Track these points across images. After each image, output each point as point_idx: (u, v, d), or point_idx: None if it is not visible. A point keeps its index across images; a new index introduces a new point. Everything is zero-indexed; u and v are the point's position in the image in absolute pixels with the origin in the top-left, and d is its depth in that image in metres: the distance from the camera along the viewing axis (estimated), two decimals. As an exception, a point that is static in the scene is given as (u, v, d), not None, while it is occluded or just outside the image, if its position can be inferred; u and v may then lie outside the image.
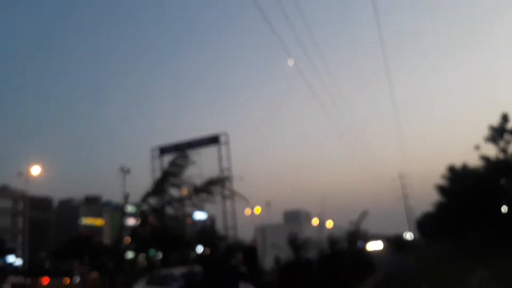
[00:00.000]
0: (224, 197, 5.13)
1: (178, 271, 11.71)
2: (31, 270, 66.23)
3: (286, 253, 14.40)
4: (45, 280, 41.59)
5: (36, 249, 77.02)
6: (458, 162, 52.25)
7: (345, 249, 20.90)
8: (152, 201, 4.82)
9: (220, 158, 28.92)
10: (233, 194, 5.13)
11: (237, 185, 6.14)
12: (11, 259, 68.84)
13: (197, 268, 8.32)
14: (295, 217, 30.09)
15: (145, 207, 4.82)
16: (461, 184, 44.64)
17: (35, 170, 56.76)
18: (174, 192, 4.89)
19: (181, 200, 4.83)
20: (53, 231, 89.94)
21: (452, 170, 50.98)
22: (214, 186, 4.88)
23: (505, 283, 13.72)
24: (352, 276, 18.20)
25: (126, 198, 5.26)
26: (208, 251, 7.53)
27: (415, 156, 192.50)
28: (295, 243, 13.34)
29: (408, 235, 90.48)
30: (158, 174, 25.39)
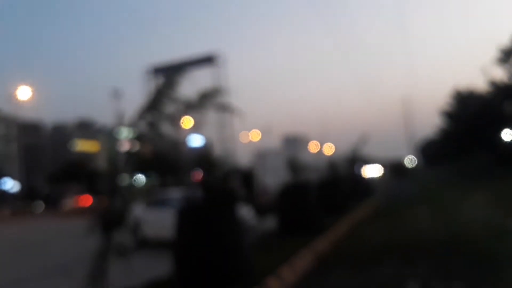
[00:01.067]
0: (219, 112, 4.96)
1: (176, 194, 11.99)
2: (28, 195, 68.43)
3: (285, 178, 14.70)
4: (85, 200, 42.13)
5: (31, 174, 78.95)
6: (464, 87, 51.84)
7: (344, 174, 21.43)
8: (148, 117, 4.68)
9: (215, 80, 28.53)
10: (228, 109, 4.95)
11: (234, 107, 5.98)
12: (8, 185, 70.66)
13: (196, 191, 8.45)
14: (294, 143, 30.52)
15: (141, 124, 4.70)
16: (466, 109, 44.71)
17: (26, 93, 56.11)
18: (169, 109, 4.73)
19: (177, 117, 4.69)
20: (47, 156, 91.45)
21: (457, 94, 50.76)
22: (209, 99, 4.70)
23: (502, 205, 14.22)
24: (350, 200, 18.84)
25: (121, 117, 5.11)
26: (206, 176, 7.61)
27: (420, 79, 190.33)
28: (294, 167, 13.58)
29: (409, 161, 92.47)
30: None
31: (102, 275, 4.34)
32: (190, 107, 4.72)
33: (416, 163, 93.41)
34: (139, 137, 4.87)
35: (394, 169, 66.86)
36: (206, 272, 6.18)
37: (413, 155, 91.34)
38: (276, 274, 6.56)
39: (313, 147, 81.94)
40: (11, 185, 71.20)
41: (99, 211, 5.05)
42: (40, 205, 58.81)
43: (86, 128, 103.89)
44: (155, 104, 4.79)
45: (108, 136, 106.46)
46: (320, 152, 76.23)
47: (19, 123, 75.85)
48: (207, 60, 29.68)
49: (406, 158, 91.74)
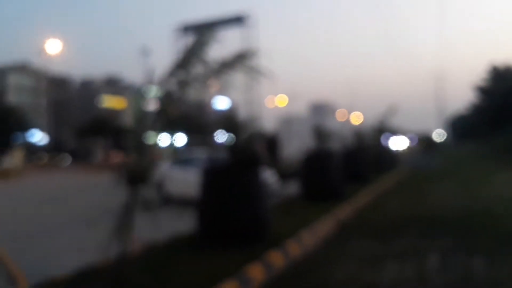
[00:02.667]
0: (249, 74, 4.91)
1: (201, 154, 12.21)
2: (55, 148, 70.72)
3: (310, 144, 14.69)
4: (112, 155, 43.64)
5: (59, 128, 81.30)
6: (501, 62, 49.76)
7: (370, 144, 21.23)
8: (177, 77, 4.70)
9: (244, 41, 28.12)
10: (259, 72, 4.89)
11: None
12: (37, 137, 72.95)
13: (220, 153, 8.57)
14: (321, 110, 30.23)
15: (170, 83, 4.73)
16: (501, 85, 43.15)
17: (56, 47, 57.06)
18: (199, 69, 4.71)
19: (206, 78, 4.68)
20: (75, 111, 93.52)
21: (493, 69, 48.95)
22: (241, 60, 4.64)
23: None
24: (375, 170, 18.77)
25: (151, 75, 5.13)
26: (230, 138, 7.66)
27: (454, 52, 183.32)
28: (320, 135, 13.52)
29: (437, 135, 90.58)
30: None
31: (127, 227, 4.53)
32: (222, 68, 4.70)
33: (445, 137, 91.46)
34: (167, 96, 4.91)
35: (422, 142, 65.60)
36: (227, 230, 6.39)
37: (443, 129, 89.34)
38: (296, 237, 6.70)
39: (340, 115, 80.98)
40: (39, 137, 73.52)
41: (126, 167, 5.18)
42: (67, 159, 60.88)
43: (113, 85, 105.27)
44: (185, 64, 4.80)
45: (135, 93, 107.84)
46: (347, 121, 75.43)
47: (49, 77, 77.42)
48: (237, 20, 29.19)
49: (434, 132, 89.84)
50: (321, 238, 7.28)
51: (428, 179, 18.41)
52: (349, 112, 76.50)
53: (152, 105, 5.17)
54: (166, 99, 4.93)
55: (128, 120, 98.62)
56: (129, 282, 4.49)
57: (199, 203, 6.85)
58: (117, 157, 48.32)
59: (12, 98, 76.12)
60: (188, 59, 4.59)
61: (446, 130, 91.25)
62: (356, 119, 70.33)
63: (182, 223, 8.38)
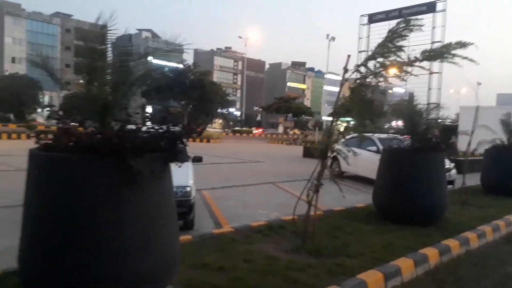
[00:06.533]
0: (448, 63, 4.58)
1: (376, 136, 11.95)
2: (246, 120, 77.86)
3: (495, 136, 12.91)
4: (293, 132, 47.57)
5: (251, 103, 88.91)
6: None
7: None
8: (370, 65, 4.71)
9: (436, 29, 25.58)
10: (462, 61, 4.51)
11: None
12: (233, 110, 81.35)
13: (398, 137, 8.26)
14: (509, 101, 25.92)
15: (362, 70, 4.77)
16: None
17: (252, 33, 62.19)
18: (393, 57, 4.61)
19: (399, 67, 4.56)
20: (265, 89, 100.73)
21: None
22: (446, 51, 4.36)
23: None
24: None
25: (346, 60, 5.19)
26: (409, 125, 7.35)
27: None
28: (509, 128, 11.74)
29: None
30: (364, 42, 24.38)
31: (317, 190, 4.87)
32: (425, 55, 4.50)
33: None
34: (361, 82, 4.93)
35: None
36: (403, 210, 6.26)
37: None
38: (474, 229, 6.13)
39: (533, 109, 67.79)
40: (235, 110, 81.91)
41: (316, 143, 5.49)
42: (253, 130, 66.52)
43: (297, 68, 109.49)
44: (382, 51, 4.74)
45: (316, 78, 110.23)
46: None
47: (245, 59, 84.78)
48: (427, 8, 26.78)
49: None
50: (503, 236, 6.48)
51: None
52: (547, 106, 63.47)
53: (342, 90, 5.27)
54: (360, 84, 4.97)
55: (308, 101, 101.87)
56: (312, 238, 4.85)
57: (378, 181, 6.84)
58: (294, 133, 50.66)
59: (216, 76, 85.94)
60: (385, 46, 4.52)
61: None
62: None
63: (354, 198, 8.51)
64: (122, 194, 2.72)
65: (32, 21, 77.92)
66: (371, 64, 4.87)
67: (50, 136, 3.00)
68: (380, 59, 4.55)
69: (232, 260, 4.28)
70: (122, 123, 3.09)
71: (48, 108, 71.29)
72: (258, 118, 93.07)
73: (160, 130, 3.12)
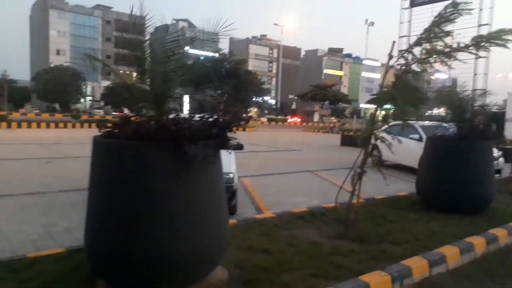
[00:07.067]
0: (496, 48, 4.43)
1: (418, 124, 11.68)
2: (280, 108, 77.64)
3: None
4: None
5: (286, 91, 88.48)
6: None
7: None
8: (415, 51, 4.63)
9: (481, 14, 24.31)
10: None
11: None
12: (268, 98, 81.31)
13: (441, 125, 8.06)
14: None
15: (407, 56, 4.69)
16: None
17: (289, 22, 61.53)
18: (440, 43, 4.50)
19: (448, 53, 4.44)
20: (300, 77, 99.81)
21: None
22: (498, 36, 4.21)
23: None
24: None
25: (391, 46, 5.11)
26: (454, 112, 7.15)
27: None
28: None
29: None
30: (405, 26, 23.39)
31: (360, 177, 4.89)
32: (476, 41, 4.38)
33: None
34: (406, 69, 4.86)
35: None
36: (448, 198, 6.17)
37: None
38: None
39: None
40: (270, 98, 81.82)
41: (358, 131, 5.46)
42: (288, 118, 66.35)
43: (334, 55, 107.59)
44: (424, 38, 4.65)
45: (353, 64, 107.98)
46: None
47: (281, 47, 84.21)
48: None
49: None
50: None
51: None
52: None
53: (386, 76, 5.20)
54: (405, 71, 4.91)
55: (344, 88, 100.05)
56: (354, 225, 4.91)
57: (422, 169, 6.76)
58: (331, 121, 50.09)
59: (251, 65, 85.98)
60: (432, 31, 4.44)
61: None
62: None
63: (395, 186, 8.44)
64: (179, 178, 2.91)
65: (75, 14, 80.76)
66: (416, 50, 4.80)
67: (109, 125, 3.24)
68: (427, 45, 4.47)
69: (277, 244, 4.42)
70: (175, 112, 3.28)
71: (91, 98, 73.70)
72: (293, 106, 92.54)
73: (210, 119, 3.28)
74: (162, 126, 2.94)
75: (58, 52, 78.02)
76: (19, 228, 5.19)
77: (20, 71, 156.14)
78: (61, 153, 13.95)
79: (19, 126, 28.58)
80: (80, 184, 8.16)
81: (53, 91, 56.71)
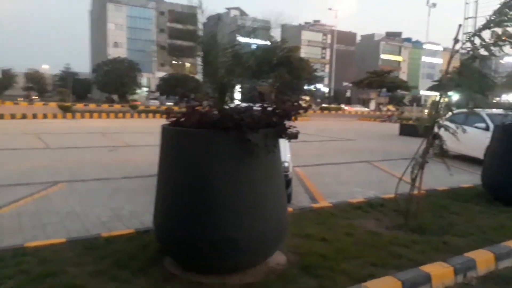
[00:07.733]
0: None
1: (485, 112, 11.11)
2: (335, 97, 76.23)
3: None
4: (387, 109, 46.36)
5: (340, 78, 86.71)
6: None
7: None
8: (484, 35, 4.41)
9: None
10: None
11: None
12: (322, 86, 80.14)
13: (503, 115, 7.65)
14: None
15: (476, 42, 4.49)
16: None
17: (342, 6, 59.89)
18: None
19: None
20: (355, 63, 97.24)
21: None
22: None
23: None
24: None
25: (457, 30, 4.92)
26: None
27: None
28: None
29: None
30: (472, 7, 22.29)
31: (421, 167, 4.81)
32: None
33: None
34: (474, 54, 4.67)
35: None
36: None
37: None
38: None
39: None
40: (323, 86, 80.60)
41: (418, 120, 5.34)
42: (342, 106, 65.08)
43: (392, 39, 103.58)
44: (494, 21, 4.44)
45: (412, 49, 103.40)
46: None
47: (335, 32, 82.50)
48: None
49: None
50: None
51: None
52: None
53: (448, 63, 5.02)
54: (473, 56, 4.73)
55: (403, 74, 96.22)
56: (415, 216, 4.86)
57: (489, 160, 6.48)
58: (388, 109, 48.55)
59: (304, 52, 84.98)
60: (503, 13, 4.22)
61: None
62: None
63: (458, 178, 8.15)
64: (242, 163, 3.10)
65: (131, 7, 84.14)
66: (484, 33, 4.60)
67: (174, 114, 3.48)
68: (497, 29, 4.26)
69: (334, 233, 4.50)
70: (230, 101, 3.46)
71: (147, 89, 76.75)
72: (348, 94, 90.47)
73: (269, 108, 3.43)
74: (226, 115, 3.13)
75: (115, 45, 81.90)
76: (91, 210, 5.68)
77: (81, 64, 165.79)
78: (122, 141, 14.83)
79: (82, 116, 30.63)
80: (141, 170, 8.72)
81: (111, 82, 59.85)
